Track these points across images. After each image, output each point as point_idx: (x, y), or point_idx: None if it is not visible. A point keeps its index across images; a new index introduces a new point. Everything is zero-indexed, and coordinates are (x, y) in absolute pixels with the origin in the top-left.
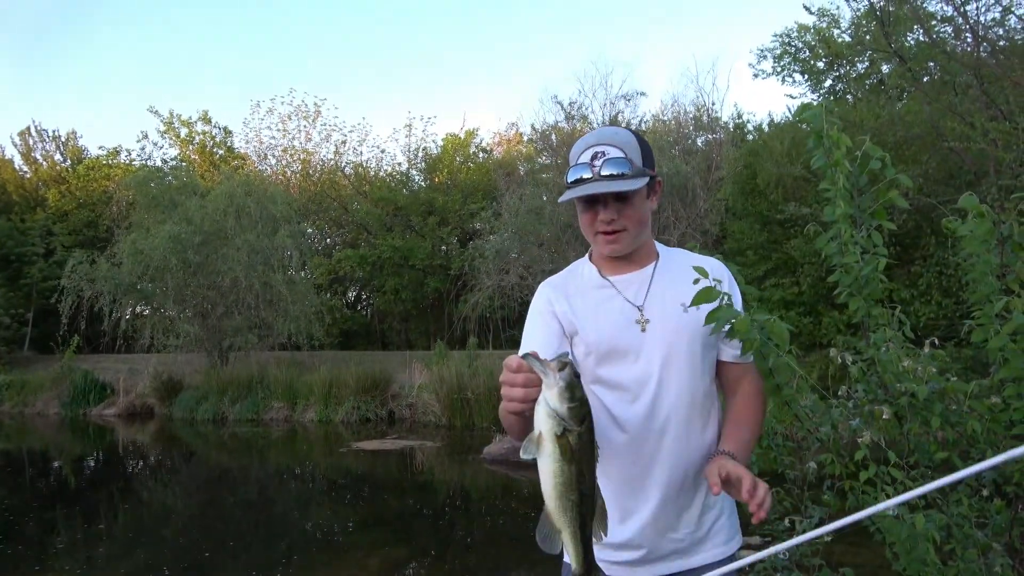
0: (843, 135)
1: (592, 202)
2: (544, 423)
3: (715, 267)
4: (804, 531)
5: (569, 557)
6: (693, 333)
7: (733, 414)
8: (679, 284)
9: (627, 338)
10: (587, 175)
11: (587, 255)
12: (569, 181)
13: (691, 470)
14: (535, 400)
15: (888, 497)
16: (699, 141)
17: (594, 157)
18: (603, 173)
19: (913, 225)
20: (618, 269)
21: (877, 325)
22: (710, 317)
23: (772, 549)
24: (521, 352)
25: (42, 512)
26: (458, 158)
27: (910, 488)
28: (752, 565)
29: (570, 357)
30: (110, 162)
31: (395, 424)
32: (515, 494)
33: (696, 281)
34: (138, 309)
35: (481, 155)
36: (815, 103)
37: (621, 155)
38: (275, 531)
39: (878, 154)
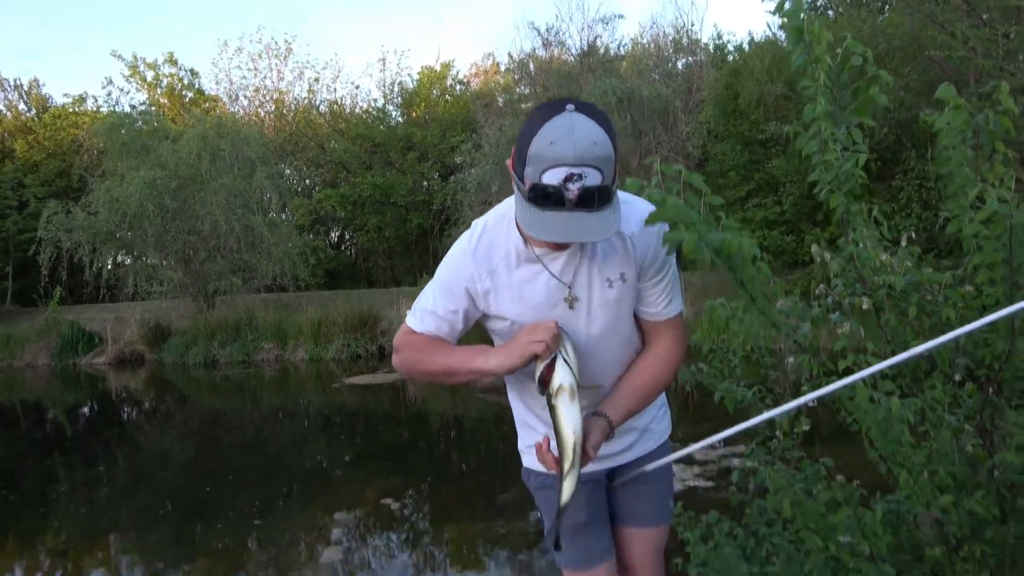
0: (824, 31)
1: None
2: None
3: (646, 207)
4: (783, 422)
5: (561, 488)
6: (619, 306)
7: (631, 379)
8: (606, 255)
9: (557, 315)
10: (560, 199)
11: (513, 214)
12: (532, 190)
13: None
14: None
15: (863, 383)
16: (679, 64)
17: (568, 180)
18: (580, 203)
19: (894, 140)
20: (543, 244)
21: (856, 224)
22: (667, 237)
23: (751, 422)
24: (422, 324)
25: (40, 460)
26: (435, 91)
27: (887, 376)
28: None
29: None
30: (76, 110)
31: (385, 359)
32: (506, 420)
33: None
34: (119, 258)
35: (458, 87)
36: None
37: (598, 183)
38: (272, 468)
39: (859, 49)
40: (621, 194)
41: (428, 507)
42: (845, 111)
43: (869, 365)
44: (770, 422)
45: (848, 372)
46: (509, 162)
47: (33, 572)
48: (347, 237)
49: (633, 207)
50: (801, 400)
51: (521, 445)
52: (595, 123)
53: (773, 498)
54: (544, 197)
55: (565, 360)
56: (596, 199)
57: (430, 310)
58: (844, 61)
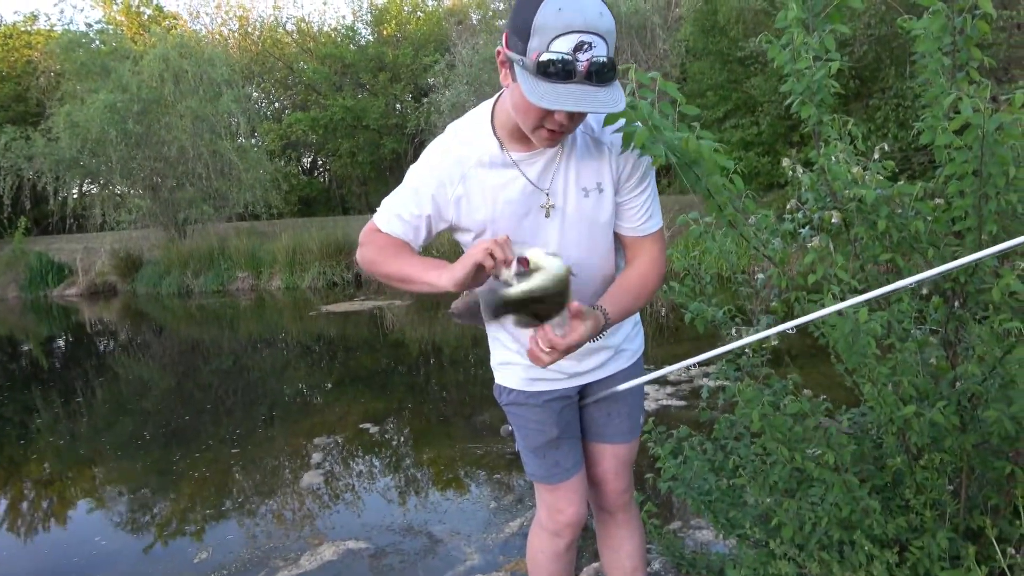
0: None
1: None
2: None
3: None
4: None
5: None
6: (595, 218)
7: (623, 280)
8: (583, 163)
9: (530, 224)
10: (567, 62)
11: (489, 117)
12: (534, 47)
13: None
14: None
15: (834, 299)
16: None
17: (577, 49)
18: (588, 79)
19: (873, 57)
20: (522, 145)
21: (829, 136)
22: (626, 139)
23: (720, 351)
24: (387, 225)
25: (17, 393)
26: (406, 8)
27: (855, 288)
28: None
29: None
30: (29, 28)
31: (362, 287)
32: (483, 345)
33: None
34: (85, 187)
35: (430, 3)
36: None
37: (606, 59)
38: (253, 395)
39: None
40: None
41: (407, 431)
42: (818, 17)
43: (838, 279)
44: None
45: (817, 287)
46: (500, 48)
47: (17, 502)
48: (319, 163)
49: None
50: (775, 330)
51: (493, 361)
52: None
53: (742, 411)
54: (553, 68)
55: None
56: (605, 71)
57: (395, 213)
58: None
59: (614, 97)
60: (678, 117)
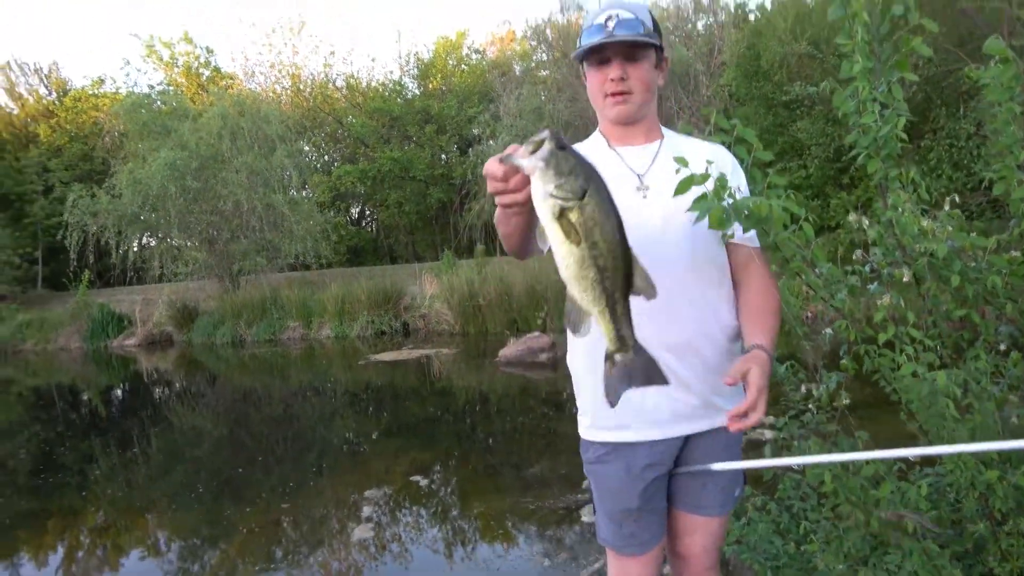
0: None
1: (602, 64)
2: (540, 209)
3: (720, 153)
4: (822, 395)
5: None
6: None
7: (754, 304)
8: (688, 157)
9: (626, 203)
10: (599, 36)
11: (597, 128)
12: (581, 42)
13: (691, 334)
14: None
15: (907, 358)
16: (700, 26)
17: (607, 20)
18: (616, 33)
19: (923, 98)
20: (625, 139)
21: (894, 188)
22: (694, 206)
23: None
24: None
25: (78, 442)
26: (451, 61)
27: (929, 347)
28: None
29: (548, 131)
30: (96, 92)
31: (410, 335)
32: (532, 394)
33: (677, 171)
34: (144, 240)
35: (475, 56)
36: None
37: (633, 17)
38: (303, 444)
39: None
40: (683, 136)
41: (456, 483)
42: (885, 66)
43: (911, 338)
44: (807, 395)
45: (890, 345)
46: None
47: (74, 550)
48: (367, 213)
49: (699, 144)
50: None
51: (580, 411)
52: None
53: (812, 471)
54: (587, 36)
55: (536, 186)
56: (630, 30)
57: None
58: (884, 11)
59: (640, 39)
60: (751, 163)
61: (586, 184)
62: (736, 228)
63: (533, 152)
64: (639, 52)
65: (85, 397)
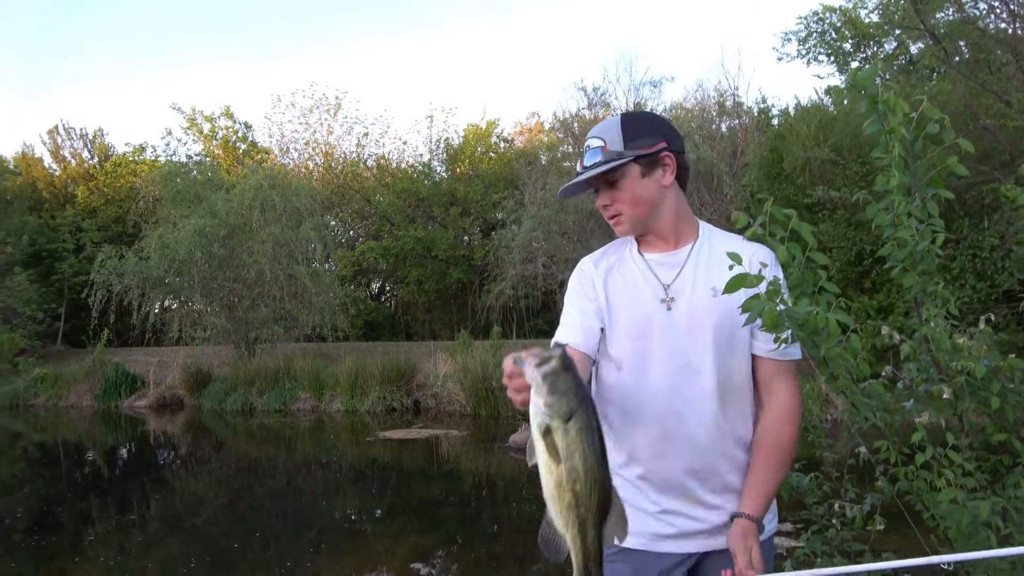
0: (900, 99)
1: (596, 192)
2: (532, 421)
3: (760, 253)
4: (853, 517)
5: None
6: (720, 319)
7: (768, 439)
8: (714, 268)
9: (650, 315)
10: (579, 169)
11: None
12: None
13: (714, 459)
14: None
15: (946, 482)
16: (723, 127)
17: (583, 152)
18: (586, 164)
19: (945, 208)
20: (653, 247)
21: (927, 303)
22: (745, 306)
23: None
24: (555, 339)
25: (77, 502)
26: (479, 148)
27: (968, 471)
28: (791, 549)
29: (560, 350)
30: (136, 159)
31: (421, 414)
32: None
33: (731, 267)
34: (166, 303)
35: (502, 145)
36: (847, 82)
37: (599, 144)
38: (304, 520)
39: (936, 116)
40: (726, 234)
41: (458, 572)
42: (920, 181)
43: (948, 460)
44: (830, 509)
45: (927, 467)
46: None
47: None
48: (387, 289)
49: (740, 243)
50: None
51: None
52: (622, 113)
53: None
54: (571, 181)
55: (532, 398)
56: (591, 159)
57: (562, 323)
58: (919, 129)
59: (591, 172)
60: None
61: (575, 408)
62: (763, 342)
63: (538, 366)
64: (614, 174)
65: (89, 456)
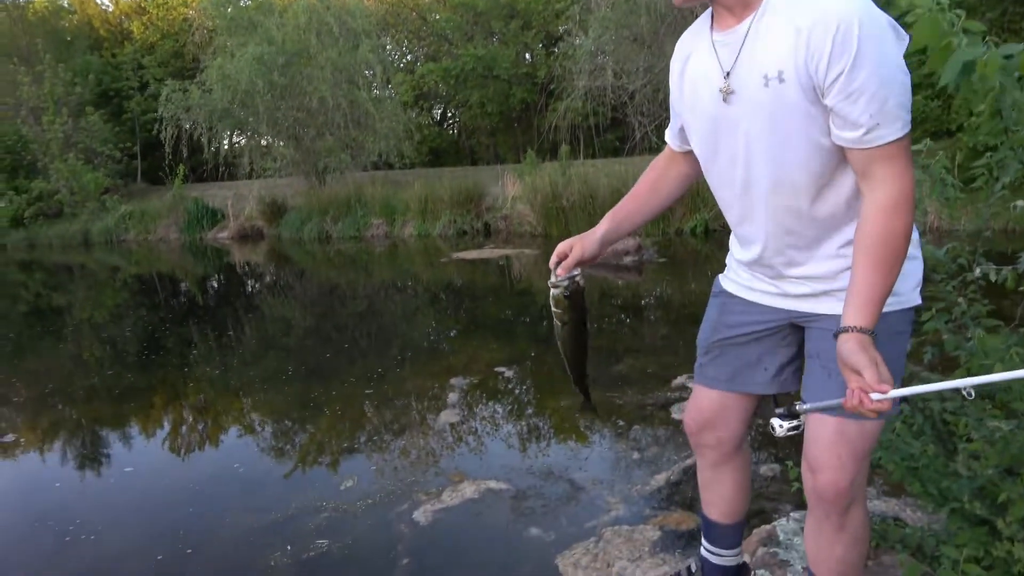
0: None
1: None
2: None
3: (837, 11)
4: (1003, 278)
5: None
6: (778, 113)
7: (859, 250)
8: (766, 45)
9: (711, 112)
10: None
11: None
12: None
13: (797, 248)
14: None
15: None
16: None
17: None
18: None
19: None
20: (719, 20)
21: None
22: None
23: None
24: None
25: (177, 326)
26: None
27: None
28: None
29: (567, 281)
30: None
31: (491, 236)
32: (613, 295)
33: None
34: (235, 137)
35: None
36: None
37: None
38: (386, 338)
39: None
40: None
41: (540, 376)
42: None
43: None
44: (963, 284)
45: None
46: None
47: (177, 426)
48: (450, 115)
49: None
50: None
51: None
52: None
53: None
54: None
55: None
56: None
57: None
58: None
59: None
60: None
61: (566, 320)
62: (841, 129)
63: (554, 286)
64: None
65: (183, 286)
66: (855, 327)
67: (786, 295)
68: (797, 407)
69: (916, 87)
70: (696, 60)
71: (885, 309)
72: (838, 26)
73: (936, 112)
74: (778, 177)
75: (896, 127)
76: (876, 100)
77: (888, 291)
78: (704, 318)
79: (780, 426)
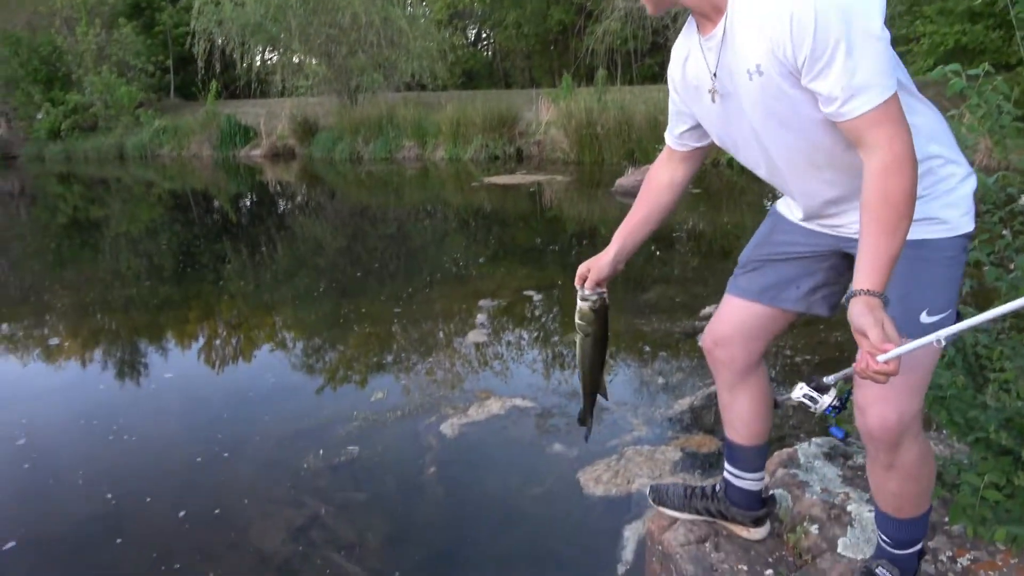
0: None
1: None
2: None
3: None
4: None
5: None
6: (768, 103)
7: (864, 213)
8: (741, 42)
9: (715, 106)
10: None
11: None
12: None
13: (836, 198)
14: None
15: None
16: None
17: None
18: None
19: None
20: (703, 26)
21: None
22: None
23: None
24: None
25: (211, 243)
26: None
27: None
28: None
29: (595, 295)
30: None
31: (523, 161)
32: None
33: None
34: (267, 55)
35: None
36: None
37: None
38: (416, 260)
39: None
40: None
41: (569, 300)
42: None
43: None
44: (1010, 214)
45: None
46: None
47: (212, 337)
48: (484, 36)
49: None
50: None
51: None
52: None
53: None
54: None
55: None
56: None
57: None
58: None
59: None
60: None
61: (589, 332)
62: (827, 105)
63: (583, 299)
64: None
65: (217, 203)
66: (863, 290)
67: (839, 228)
68: (825, 380)
69: (976, 15)
70: (692, 62)
71: (932, 236)
72: (791, 13)
73: (996, 43)
74: (792, 157)
75: (871, 95)
76: (845, 73)
77: (897, 252)
78: (754, 235)
79: (814, 401)
